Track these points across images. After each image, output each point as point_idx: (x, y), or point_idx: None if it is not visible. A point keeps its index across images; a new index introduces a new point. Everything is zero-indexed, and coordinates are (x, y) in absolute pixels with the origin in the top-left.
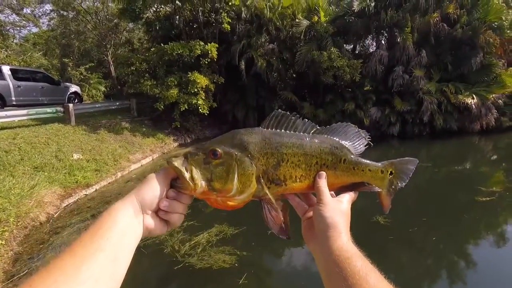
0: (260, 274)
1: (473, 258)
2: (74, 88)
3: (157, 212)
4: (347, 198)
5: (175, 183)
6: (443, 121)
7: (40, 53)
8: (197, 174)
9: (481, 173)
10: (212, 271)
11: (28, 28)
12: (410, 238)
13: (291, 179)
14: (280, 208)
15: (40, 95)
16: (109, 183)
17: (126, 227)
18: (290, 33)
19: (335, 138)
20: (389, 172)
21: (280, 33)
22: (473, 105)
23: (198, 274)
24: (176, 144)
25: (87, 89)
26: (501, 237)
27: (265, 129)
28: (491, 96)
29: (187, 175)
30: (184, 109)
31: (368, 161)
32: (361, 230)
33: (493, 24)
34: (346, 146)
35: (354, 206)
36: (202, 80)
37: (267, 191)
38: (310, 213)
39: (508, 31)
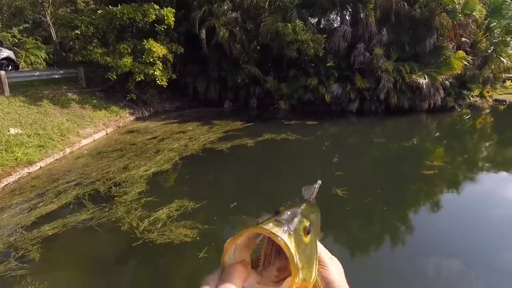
0: (221, 247)
1: (414, 223)
2: (5, 52)
3: None
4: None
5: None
6: (397, 99)
7: None
8: (297, 254)
9: (426, 148)
10: (173, 246)
11: None
12: (364, 208)
13: None
14: None
15: None
16: (56, 159)
17: None
18: (255, 1)
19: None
20: None
21: (244, 0)
22: (424, 85)
23: (158, 249)
24: (132, 117)
25: (24, 56)
26: (437, 204)
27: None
28: (440, 77)
29: (295, 258)
30: (139, 79)
31: None
32: (321, 202)
33: (448, 7)
34: None
35: (315, 178)
36: (158, 49)
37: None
38: None
39: (460, 15)
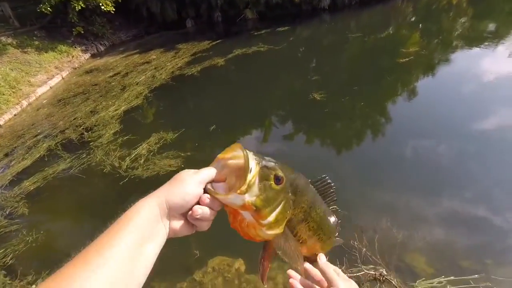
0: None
1: (392, 113)
2: None
3: (184, 214)
4: (343, 274)
5: (210, 186)
6: None
7: None
8: (257, 183)
9: (402, 36)
10: (160, 177)
11: None
12: (342, 108)
13: (298, 238)
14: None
15: None
16: (15, 115)
17: (147, 232)
18: None
19: (336, 219)
20: None
21: None
22: None
23: (146, 182)
24: (87, 55)
25: None
26: (413, 91)
27: (313, 187)
28: None
29: (249, 176)
30: (80, 8)
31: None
32: (300, 108)
33: None
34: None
35: (292, 87)
36: None
37: (292, 239)
38: None
39: None
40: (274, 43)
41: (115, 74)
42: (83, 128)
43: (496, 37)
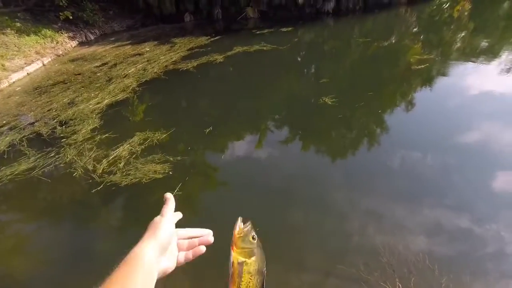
0: (198, 180)
1: (387, 124)
2: None
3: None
4: None
5: None
6: None
7: None
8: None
9: (409, 44)
10: (142, 186)
11: None
12: (356, 113)
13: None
14: None
15: None
16: None
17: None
18: None
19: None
20: None
21: None
22: None
23: (125, 192)
24: (74, 43)
25: None
26: (409, 102)
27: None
28: None
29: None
30: None
31: None
32: (311, 113)
33: None
34: None
35: (300, 92)
36: None
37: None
38: None
39: None
40: (277, 43)
41: (102, 64)
42: (56, 122)
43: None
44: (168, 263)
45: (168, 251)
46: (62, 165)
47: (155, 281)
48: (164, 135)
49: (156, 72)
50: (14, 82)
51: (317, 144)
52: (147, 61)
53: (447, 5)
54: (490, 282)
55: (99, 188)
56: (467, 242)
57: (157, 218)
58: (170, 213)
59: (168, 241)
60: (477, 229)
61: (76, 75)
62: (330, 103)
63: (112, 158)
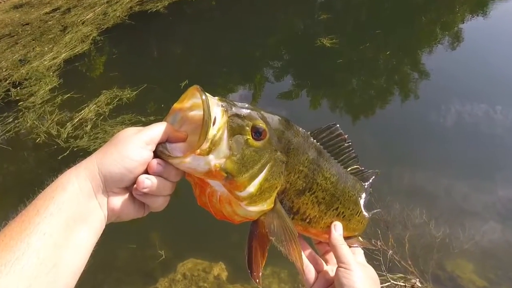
0: None
1: (426, 67)
2: None
3: (129, 188)
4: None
5: (162, 148)
6: None
7: None
8: (225, 138)
9: None
10: None
11: None
12: (361, 58)
13: (302, 215)
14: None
15: None
16: None
17: (77, 214)
18: None
19: (364, 185)
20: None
21: None
22: None
23: None
24: None
25: None
26: (456, 37)
27: (315, 142)
28: None
29: (212, 130)
30: None
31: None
32: (305, 58)
33: None
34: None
35: (293, 31)
36: None
37: (287, 219)
38: (327, 276)
39: None
40: None
41: (53, 10)
42: (9, 83)
43: None
44: (125, 205)
45: (122, 185)
46: (22, 131)
47: (96, 224)
48: (134, 93)
49: (119, 16)
50: None
51: (331, 98)
52: (107, 2)
53: None
54: None
55: (65, 154)
56: None
57: (123, 132)
58: (154, 130)
59: (123, 173)
60: None
61: (23, 25)
62: (329, 45)
63: (77, 121)
